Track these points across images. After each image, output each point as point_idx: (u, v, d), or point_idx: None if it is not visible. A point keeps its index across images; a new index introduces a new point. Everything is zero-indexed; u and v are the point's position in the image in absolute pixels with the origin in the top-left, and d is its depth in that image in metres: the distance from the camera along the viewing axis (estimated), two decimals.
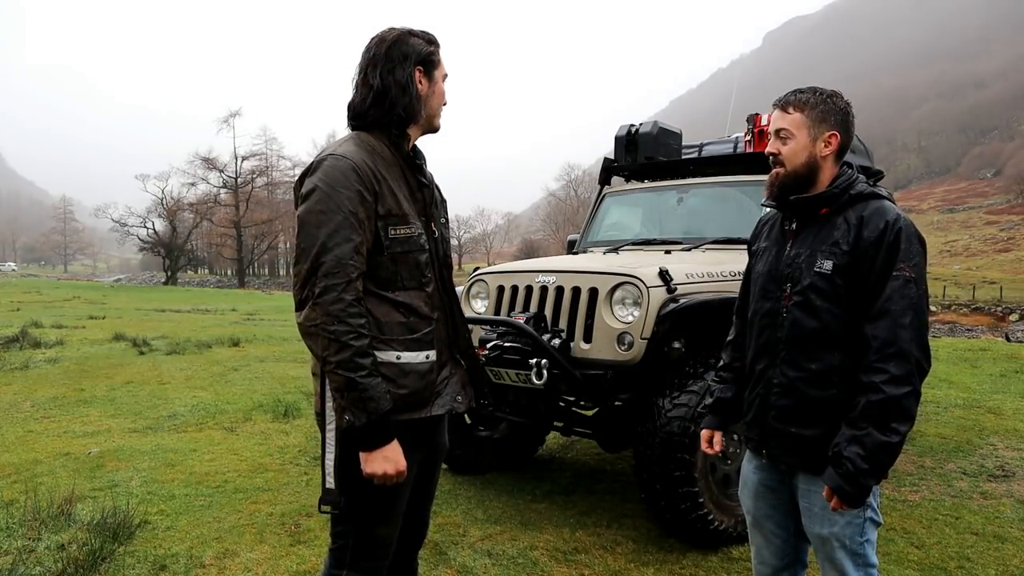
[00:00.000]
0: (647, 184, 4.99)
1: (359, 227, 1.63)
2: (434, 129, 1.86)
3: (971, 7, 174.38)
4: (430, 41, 1.80)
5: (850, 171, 1.85)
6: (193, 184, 56.23)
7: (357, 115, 1.77)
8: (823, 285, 1.76)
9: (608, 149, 5.28)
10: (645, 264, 3.51)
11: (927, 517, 3.68)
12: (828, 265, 1.75)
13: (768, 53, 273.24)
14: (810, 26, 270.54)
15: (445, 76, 1.83)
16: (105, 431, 5.38)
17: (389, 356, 1.68)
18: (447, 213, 1.96)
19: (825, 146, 1.81)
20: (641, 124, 4.97)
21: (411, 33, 1.78)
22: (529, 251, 64.24)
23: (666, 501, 3.16)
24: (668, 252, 4.14)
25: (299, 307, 1.62)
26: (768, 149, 1.87)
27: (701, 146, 5.07)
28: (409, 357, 1.71)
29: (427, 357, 1.74)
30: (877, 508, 1.81)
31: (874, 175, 1.94)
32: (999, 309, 35.54)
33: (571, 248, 5.03)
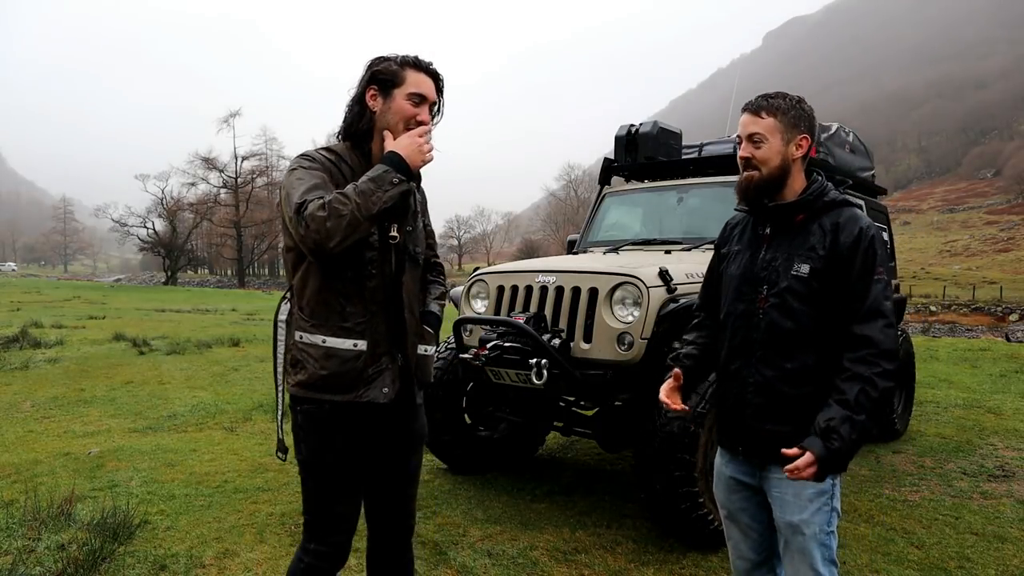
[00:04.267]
0: (647, 184, 5.00)
1: (323, 183, 1.80)
2: None
3: (972, 8, 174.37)
4: (401, 63, 1.89)
5: (820, 178, 1.93)
6: (193, 184, 56.27)
7: (340, 132, 1.97)
8: (800, 288, 1.83)
9: (608, 149, 5.28)
10: (645, 264, 3.51)
11: (927, 517, 3.68)
12: (805, 269, 1.82)
13: (768, 53, 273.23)
14: (810, 26, 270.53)
15: (415, 95, 1.88)
16: (105, 431, 5.38)
17: (315, 339, 1.85)
18: (420, 222, 2.07)
19: (797, 149, 1.88)
20: (641, 124, 4.97)
21: (384, 59, 1.91)
22: (529, 251, 64.23)
23: (666, 501, 3.16)
24: (668, 252, 4.14)
25: (304, 239, 1.72)
26: (741, 153, 1.91)
27: (701, 146, 5.07)
28: (335, 342, 1.85)
29: (355, 345, 1.85)
30: (839, 499, 1.89)
31: (839, 183, 2.01)
32: (999, 309, 35.52)
33: (571, 248, 5.04)
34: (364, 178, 1.75)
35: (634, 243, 4.60)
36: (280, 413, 2.00)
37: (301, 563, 1.96)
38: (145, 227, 55.37)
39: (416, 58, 1.91)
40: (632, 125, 4.97)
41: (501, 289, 3.84)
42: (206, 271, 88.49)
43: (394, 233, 1.89)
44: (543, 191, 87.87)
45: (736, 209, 2.05)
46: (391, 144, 1.83)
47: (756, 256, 1.94)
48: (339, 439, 1.88)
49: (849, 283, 1.78)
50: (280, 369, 1.94)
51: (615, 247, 4.53)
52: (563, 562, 3.13)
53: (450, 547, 3.26)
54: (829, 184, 1.91)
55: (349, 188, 1.73)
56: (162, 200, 54.85)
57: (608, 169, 5.09)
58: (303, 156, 1.87)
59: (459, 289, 4.19)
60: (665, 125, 5.01)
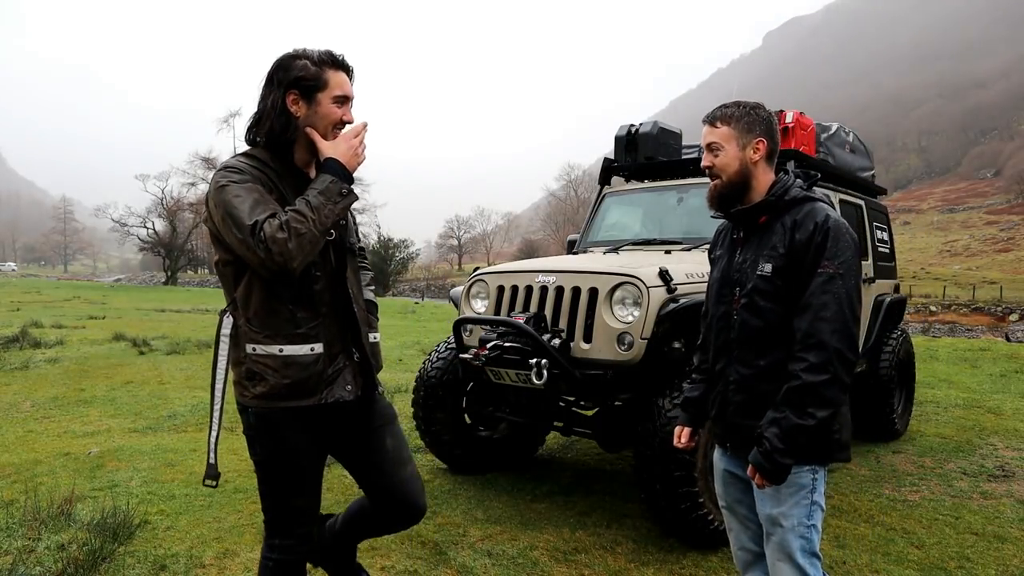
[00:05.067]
0: (647, 184, 5.00)
1: (261, 196, 1.76)
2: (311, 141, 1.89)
3: (972, 7, 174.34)
4: (319, 62, 1.82)
5: (786, 177, 1.98)
6: (193, 184, 56.10)
7: (247, 134, 1.90)
8: (764, 286, 1.89)
9: (608, 149, 5.28)
10: (645, 264, 3.51)
11: (927, 517, 3.68)
12: (768, 268, 1.89)
13: (768, 53, 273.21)
14: (810, 26, 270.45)
15: (340, 97, 1.84)
16: (105, 431, 5.38)
17: (272, 349, 1.82)
18: (350, 213, 2.03)
19: (755, 152, 1.95)
20: (641, 124, 4.97)
21: (298, 56, 1.83)
22: (529, 251, 64.22)
23: (666, 501, 3.16)
24: (668, 252, 4.14)
25: (264, 263, 1.69)
26: (703, 163, 2.01)
27: (701, 146, 5.07)
28: (292, 350, 1.82)
29: (312, 349, 1.84)
30: (822, 494, 1.91)
31: (810, 178, 2.02)
32: (999, 309, 35.52)
33: (571, 248, 5.03)
34: (313, 192, 1.74)
35: (634, 243, 4.60)
36: (215, 435, 1.91)
37: (268, 562, 1.96)
38: (145, 227, 55.35)
39: (331, 54, 1.86)
40: (632, 125, 4.97)
41: (501, 289, 3.84)
42: (206, 271, 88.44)
43: (331, 231, 1.85)
44: (543, 191, 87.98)
45: (712, 216, 2.12)
46: (327, 149, 1.82)
47: (732, 259, 2.03)
48: (294, 438, 1.87)
49: (801, 279, 1.83)
50: (219, 385, 1.87)
51: (615, 247, 4.53)
52: (563, 562, 3.13)
53: (450, 547, 3.26)
54: (796, 181, 1.96)
55: (301, 204, 1.71)
56: (162, 200, 54.80)
57: (608, 169, 5.09)
58: (228, 169, 1.79)
59: (459, 289, 4.19)
60: (665, 125, 5.02)
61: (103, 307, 20.76)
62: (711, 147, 1.98)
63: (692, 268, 3.54)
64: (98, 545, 3.04)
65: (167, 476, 4.21)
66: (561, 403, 4.00)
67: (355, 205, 1.90)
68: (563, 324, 3.49)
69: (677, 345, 3.35)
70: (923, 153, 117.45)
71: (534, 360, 3.30)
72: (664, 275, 3.27)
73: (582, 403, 4.03)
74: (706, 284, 2.19)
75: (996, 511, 3.77)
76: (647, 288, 3.28)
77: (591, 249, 4.79)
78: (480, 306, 3.98)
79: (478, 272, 4.10)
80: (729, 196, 1.98)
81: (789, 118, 4.42)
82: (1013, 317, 33.23)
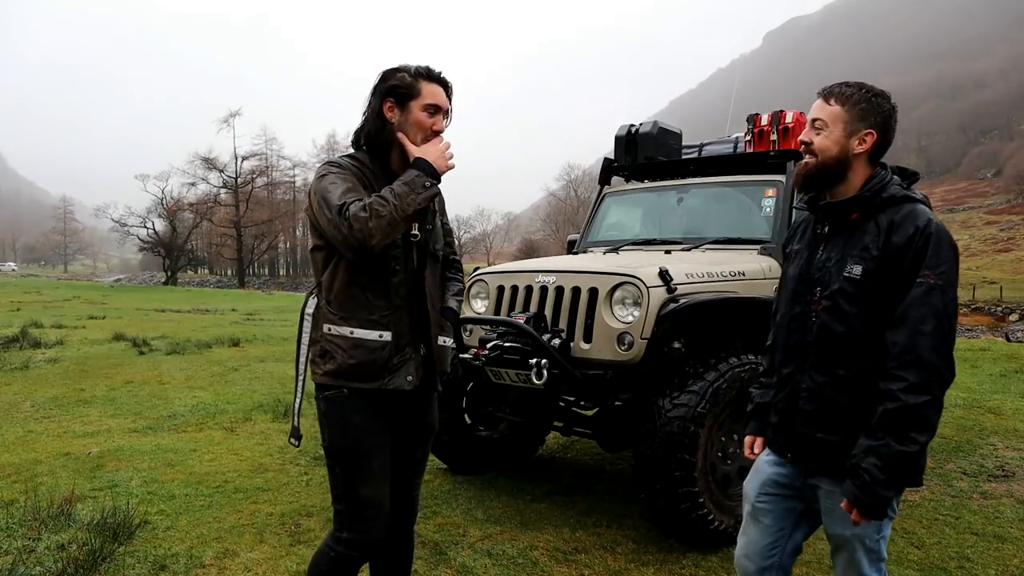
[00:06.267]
0: (647, 184, 4.99)
1: (354, 187, 1.95)
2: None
3: (971, 7, 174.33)
4: (415, 74, 2.01)
5: (883, 172, 1.82)
6: (193, 184, 56.20)
7: (352, 137, 2.11)
8: (852, 290, 1.74)
9: (608, 149, 5.28)
10: (645, 264, 3.51)
11: (927, 517, 3.67)
12: (858, 270, 1.74)
13: (768, 53, 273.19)
14: (810, 26, 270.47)
15: (431, 106, 2.00)
16: (105, 431, 5.38)
17: (344, 330, 1.97)
18: (439, 221, 2.19)
19: (859, 144, 1.78)
20: (641, 124, 4.97)
21: (398, 69, 2.04)
22: (529, 251, 64.17)
23: (666, 501, 3.16)
24: (668, 252, 4.14)
25: (347, 238, 1.84)
26: (801, 137, 1.85)
27: (701, 146, 5.07)
28: (362, 333, 1.97)
29: (380, 336, 1.98)
30: (895, 503, 1.79)
31: (909, 176, 1.92)
32: (999, 309, 35.52)
33: (571, 248, 5.03)
34: (399, 182, 1.90)
35: (634, 243, 4.59)
36: (298, 401, 2.13)
37: (331, 552, 2.02)
38: (145, 227, 55.34)
39: (428, 69, 2.03)
40: (632, 125, 4.96)
41: (501, 289, 3.84)
42: (206, 271, 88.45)
43: (415, 232, 2.03)
44: (543, 191, 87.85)
45: (795, 207, 1.99)
46: (417, 151, 1.97)
47: (813, 256, 1.87)
48: (361, 422, 1.99)
49: (895, 285, 1.68)
50: (303, 360, 2.06)
51: (615, 247, 4.53)
52: (563, 562, 3.13)
53: (450, 547, 3.26)
54: (893, 178, 1.81)
55: (386, 191, 1.87)
56: (162, 200, 54.80)
57: (608, 169, 5.09)
58: (331, 163, 2.00)
59: None
60: (665, 125, 5.01)
61: (103, 307, 20.76)
62: (815, 123, 1.81)
63: (692, 268, 3.54)
64: (98, 545, 3.04)
65: (167, 476, 4.21)
66: (561, 403, 4.00)
67: None
68: (563, 324, 3.49)
69: (677, 345, 3.35)
70: (923, 153, 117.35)
71: (534, 360, 3.30)
72: (664, 275, 3.26)
73: (582, 403, 4.03)
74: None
75: (996, 511, 3.77)
76: (647, 288, 3.28)
77: (591, 249, 4.79)
78: (480, 306, 3.98)
79: (478, 272, 4.10)
80: (818, 180, 1.82)
81: (789, 118, 4.43)
82: (1013, 317, 33.23)
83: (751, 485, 2.02)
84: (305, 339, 2.05)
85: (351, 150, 2.12)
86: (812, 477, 1.87)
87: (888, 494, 1.63)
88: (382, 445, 2.04)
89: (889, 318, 1.69)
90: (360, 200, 1.84)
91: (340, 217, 1.82)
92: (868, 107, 1.79)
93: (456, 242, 2.43)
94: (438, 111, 2.02)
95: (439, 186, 1.98)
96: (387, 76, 2.03)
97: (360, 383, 1.97)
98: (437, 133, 2.02)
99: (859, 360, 1.74)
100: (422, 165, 1.94)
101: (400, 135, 2.00)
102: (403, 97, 1.99)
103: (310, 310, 2.05)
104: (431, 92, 2.01)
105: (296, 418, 2.13)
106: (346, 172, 1.96)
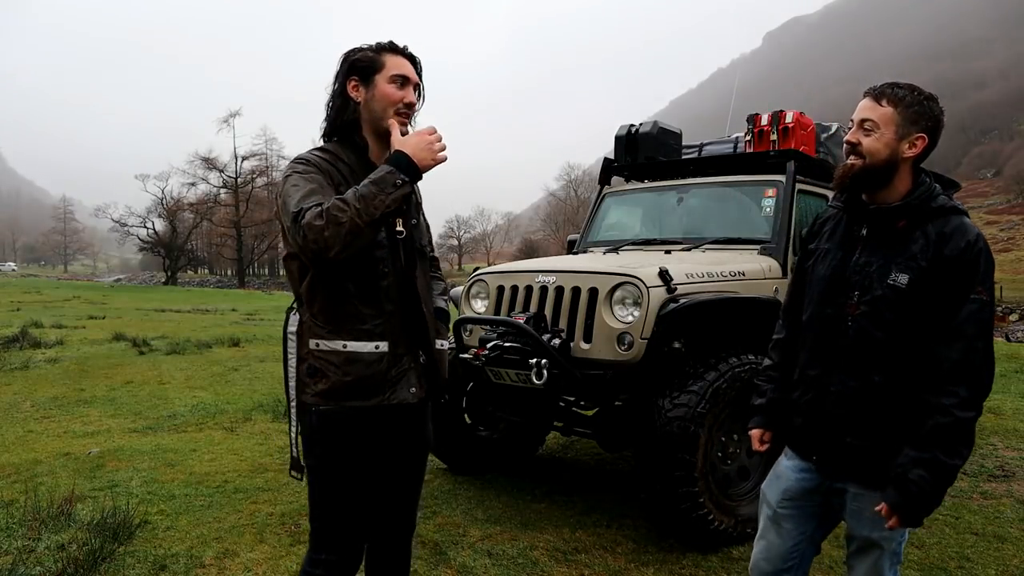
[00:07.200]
0: (647, 184, 4.99)
1: (320, 187, 1.74)
2: (381, 131, 1.87)
3: (972, 7, 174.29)
4: (378, 49, 1.85)
5: (929, 180, 1.78)
6: (193, 184, 56.24)
7: (324, 130, 1.92)
8: (895, 298, 1.71)
9: (608, 149, 5.28)
10: (645, 264, 3.51)
11: (927, 517, 3.67)
12: (904, 279, 1.70)
13: (768, 53, 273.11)
14: (810, 26, 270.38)
15: (397, 76, 1.83)
16: (105, 431, 5.38)
17: (335, 345, 1.79)
18: (422, 215, 2.03)
19: (910, 148, 1.74)
20: (641, 124, 4.97)
21: (358, 48, 1.88)
22: (529, 251, 64.19)
23: (666, 501, 3.16)
24: (668, 252, 4.14)
25: (303, 250, 1.68)
26: (848, 138, 1.78)
27: (701, 146, 5.07)
28: (356, 346, 1.79)
29: (376, 347, 1.80)
30: None
31: (948, 184, 1.88)
32: (999, 309, 35.44)
33: (571, 248, 5.03)
34: (366, 181, 1.69)
35: (634, 243, 4.60)
36: (294, 431, 1.89)
37: None
38: (145, 227, 55.42)
39: (391, 42, 1.88)
40: (632, 125, 4.97)
41: (501, 289, 3.84)
42: (206, 271, 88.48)
43: (400, 228, 1.84)
44: (543, 191, 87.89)
45: (830, 205, 1.93)
46: (398, 142, 1.77)
47: (848, 258, 1.81)
48: (352, 444, 1.82)
49: (944, 298, 1.66)
50: (292, 383, 1.86)
51: (615, 247, 4.53)
52: (563, 562, 3.13)
53: (450, 547, 3.26)
54: (937, 187, 1.77)
55: (349, 193, 1.67)
56: (162, 200, 54.87)
57: (608, 169, 5.09)
58: (297, 160, 1.81)
59: (459, 289, 4.19)
60: (665, 125, 5.01)
61: (103, 307, 20.76)
62: (864, 124, 1.74)
63: (692, 268, 3.54)
64: (98, 545, 3.04)
65: (167, 476, 4.21)
66: (561, 403, 3.99)
67: None
68: (563, 324, 3.49)
69: (677, 345, 3.35)
70: None
71: (534, 360, 3.30)
72: (664, 275, 3.26)
73: (582, 403, 4.03)
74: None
75: (996, 511, 3.77)
76: (647, 288, 3.28)
77: (591, 249, 4.79)
78: (480, 306, 3.98)
79: (478, 272, 4.10)
80: (863, 183, 1.76)
81: (789, 118, 4.42)
82: (1013, 317, 33.22)
83: (772, 491, 1.98)
84: (292, 361, 1.85)
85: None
86: (838, 480, 1.85)
87: (934, 505, 1.65)
88: (371, 466, 1.87)
89: (931, 329, 1.68)
90: (319, 206, 1.64)
91: (295, 225, 1.63)
92: (921, 110, 1.74)
93: (434, 238, 2.29)
94: (407, 82, 1.84)
95: (415, 184, 1.78)
96: (347, 55, 1.87)
97: (359, 401, 1.79)
98: (410, 107, 1.84)
99: (896, 368, 1.72)
100: (399, 160, 1.72)
101: (391, 123, 1.81)
102: (366, 72, 1.82)
103: (293, 328, 1.86)
104: (396, 63, 1.84)
105: (295, 448, 1.91)
106: (312, 170, 1.76)
